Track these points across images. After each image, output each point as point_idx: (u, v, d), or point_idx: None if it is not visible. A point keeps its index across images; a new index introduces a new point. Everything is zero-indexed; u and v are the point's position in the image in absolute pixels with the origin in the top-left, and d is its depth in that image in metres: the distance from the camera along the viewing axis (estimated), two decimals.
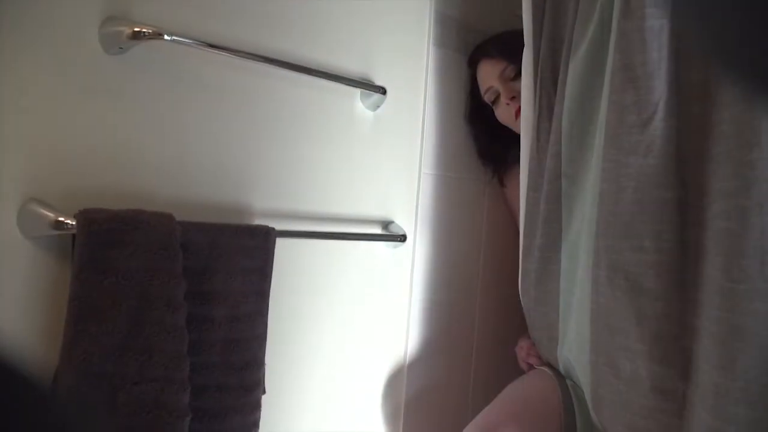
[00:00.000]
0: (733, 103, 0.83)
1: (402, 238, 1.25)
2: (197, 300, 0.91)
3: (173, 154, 0.97)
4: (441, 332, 1.41)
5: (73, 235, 0.82)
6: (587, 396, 1.09)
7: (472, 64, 1.38)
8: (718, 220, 0.85)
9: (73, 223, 0.81)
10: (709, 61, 0.81)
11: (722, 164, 0.85)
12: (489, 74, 1.32)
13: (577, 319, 1.11)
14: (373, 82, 1.23)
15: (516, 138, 1.25)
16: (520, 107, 1.23)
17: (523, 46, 1.19)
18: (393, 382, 1.32)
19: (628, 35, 0.93)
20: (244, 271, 0.97)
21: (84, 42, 0.87)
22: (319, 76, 1.10)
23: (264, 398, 1.02)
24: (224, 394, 0.93)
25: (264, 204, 1.08)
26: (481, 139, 1.40)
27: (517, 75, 1.26)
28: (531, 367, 1.32)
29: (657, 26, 0.90)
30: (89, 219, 0.81)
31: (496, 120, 1.36)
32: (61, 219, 0.82)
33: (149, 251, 0.84)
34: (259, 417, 0.99)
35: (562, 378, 1.21)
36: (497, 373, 1.43)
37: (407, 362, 1.35)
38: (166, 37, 0.90)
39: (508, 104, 1.29)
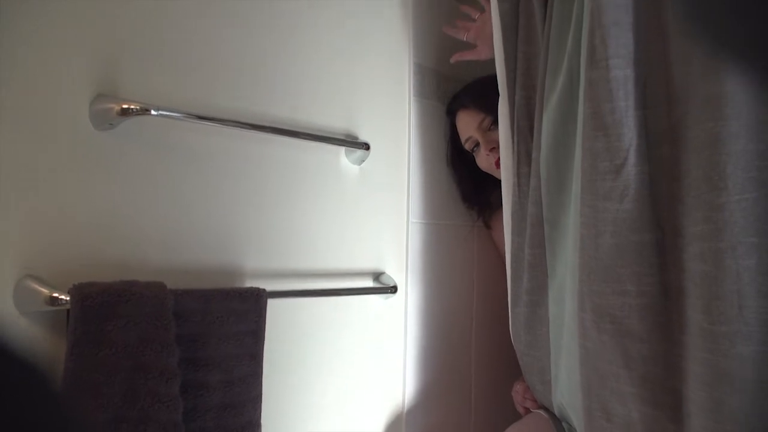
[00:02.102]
0: (701, 147, 0.87)
1: (393, 289, 1.26)
2: (191, 367, 0.93)
3: (164, 222, 0.99)
4: (438, 378, 1.42)
5: (68, 310, 0.84)
6: None
7: (451, 113, 1.42)
8: (695, 262, 0.87)
9: (67, 298, 0.83)
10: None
11: (694, 207, 0.88)
12: (467, 125, 1.36)
13: (566, 364, 1.12)
14: (357, 137, 1.26)
15: (498, 181, 1.28)
16: (499, 157, 1.27)
17: (498, 93, 1.24)
18: (392, 429, 1.33)
19: (595, 84, 0.97)
20: (237, 334, 0.98)
21: (75, 120, 0.91)
22: (303, 138, 1.14)
23: None
24: None
25: (256, 265, 1.11)
26: (464, 184, 1.44)
27: (495, 125, 1.30)
28: (528, 410, 1.33)
29: (621, 76, 0.94)
30: (83, 294, 0.83)
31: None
32: (56, 295, 0.84)
33: (142, 322, 0.86)
34: None
35: (558, 421, 1.22)
36: (497, 416, 1.43)
37: (405, 409, 1.35)
38: (153, 112, 0.93)
39: (488, 155, 1.33)
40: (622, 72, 0.95)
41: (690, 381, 0.89)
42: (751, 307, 0.81)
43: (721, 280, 0.83)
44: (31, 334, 0.86)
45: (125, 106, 0.91)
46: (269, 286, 1.07)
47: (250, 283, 1.08)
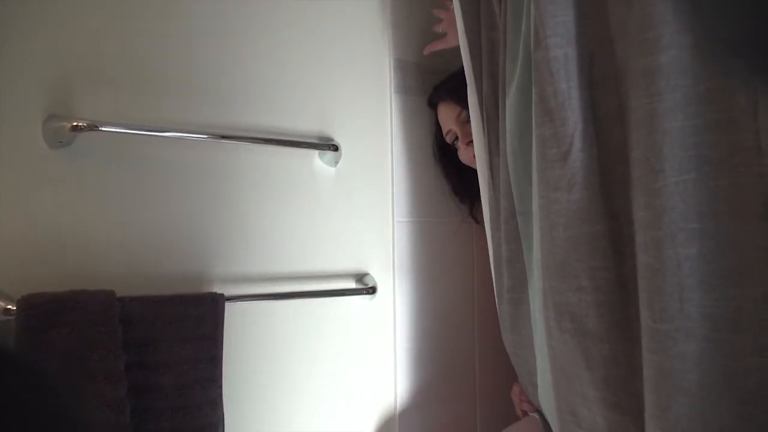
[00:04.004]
0: (639, 126, 0.79)
1: (371, 290, 1.24)
2: (143, 370, 0.96)
3: (121, 233, 1.04)
4: (435, 379, 1.38)
5: None
6: None
7: (432, 106, 1.38)
8: (640, 253, 0.79)
9: None
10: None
11: (638, 192, 0.80)
12: (447, 118, 1.31)
13: (540, 365, 1.06)
14: (332, 139, 1.26)
15: None
16: None
17: None
18: (384, 429, 1.31)
19: (539, 67, 0.91)
20: (192, 339, 1.01)
21: (28, 139, 0.97)
22: (261, 143, 1.14)
23: None
24: None
25: (223, 270, 1.13)
26: (452, 177, 1.39)
27: None
28: (525, 413, 1.26)
29: (561, 55, 0.87)
30: (29, 303, 0.89)
31: None
32: (9, 307, 0.90)
33: (87, 329, 0.90)
34: None
35: (548, 425, 1.15)
36: (506, 416, 1.37)
37: (398, 410, 1.33)
38: (101, 128, 0.98)
39: (466, 148, 1.28)
40: (562, 51, 0.88)
41: (644, 384, 0.81)
42: (692, 301, 0.73)
43: (662, 273, 0.75)
44: None
45: (75, 123, 0.96)
46: (240, 291, 1.09)
47: (217, 289, 1.10)
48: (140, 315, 0.97)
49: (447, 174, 1.40)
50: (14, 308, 0.89)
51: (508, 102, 1.07)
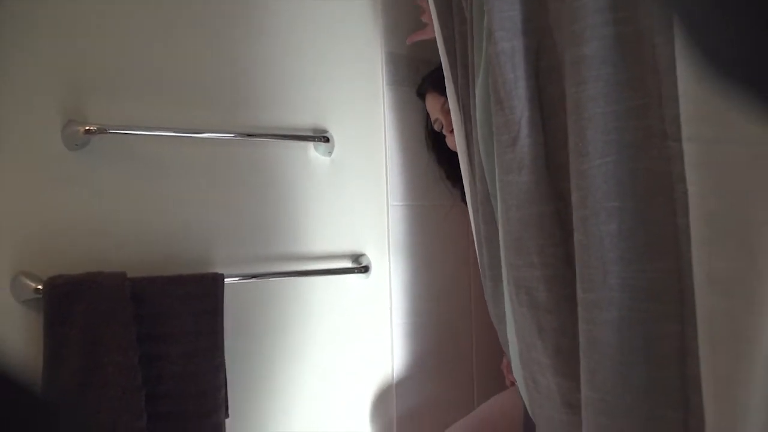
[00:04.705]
0: (570, 112, 0.85)
1: (364, 269, 1.35)
2: (152, 341, 1.10)
3: (130, 222, 1.17)
4: (433, 352, 1.48)
5: None
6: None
7: (420, 96, 1.46)
8: (575, 231, 0.86)
9: None
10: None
11: (572, 175, 0.86)
12: (433, 107, 1.39)
13: (510, 336, 1.14)
14: (327, 131, 1.36)
15: None
16: None
17: None
18: (382, 402, 1.41)
19: (491, 59, 0.98)
20: (195, 313, 1.14)
21: (49, 143, 1.11)
22: (256, 137, 1.26)
23: (255, 428, 1.22)
24: (183, 419, 1.11)
25: (226, 253, 1.26)
26: (444, 163, 1.47)
27: None
28: (513, 383, 1.34)
29: (508, 48, 0.94)
30: (53, 284, 1.04)
31: None
32: (39, 287, 1.05)
33: (102, 305, 1.05)
34: None
35: None
36: (503, 387, 1.45)
37: (395, 382, 1.43)
38: (110, 131, 1.12)
39: (450, 135, 1.35)
40: (509, 44, 0.95)
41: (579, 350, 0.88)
42: (613, 273, 0.80)
43: (588, 248, 0.82)
44: (27, 318, 1.08)
45: (87, 128, 1.11)
46: (241, 272, 1.22)
47: (220, 270, 1.23)
48: (149, 293, 1.11)
49: (439, 160, 1.47)
50: (42, 288, 1.05)
51: (477, 92, 1.14)
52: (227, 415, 1.18)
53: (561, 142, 0.92)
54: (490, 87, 1.00)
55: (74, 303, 1.04)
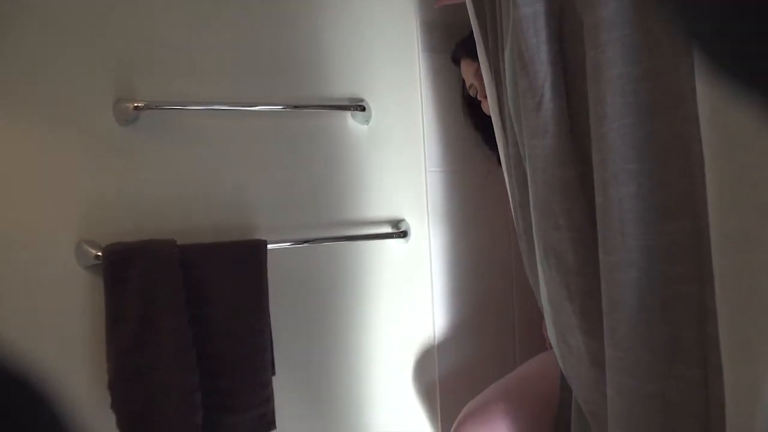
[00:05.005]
0: (590, 76, 0.85)
1: (402, 234, 1.39)
2: (199, 304, 1.18)
3: (178, 192, 1.25)
4: (473, 313, 1.51)
5: None
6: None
7: (455, 62, 1.46)
8: (596, 194, 0.87)
9: None
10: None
11: (593, 138, 0.86)
12: (467, 73, 1.39)
13: (543, 299, 1.15)
14: (363, 99, 1.39)
15: None
16: None
17: None
18: (424, 363, 1.47)
19: (514, 24, 0.98)
20: (240, 276, 1.22)
21: (103, 119, 1.20)
22: (290, 108, 1.31)
23: (301, 385, 1.30)
24: (232, 377, 1.19)
25: (269, 221, 1.32)
26: (481, 128, 1.47)
27: None
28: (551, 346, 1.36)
29: (530, 13, 0.94)
30: (110, 251, 1.13)
31: None
32: (99, 254, 1.15)
33: (154, 270, 1.14)
34: (271, 394, 1.23)
35: None
36: (544, 348, 1.47)
37: (437, 342, 1.48)
38: (157, 107, 1.19)
39: (485, 100, 1.35)
40: (531, 9, 0.95)
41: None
42: (632, 234, 0.80)
43: (608, 210, 0.82)
44: (90, 281, 1.19)
45: (136, 104, 1.19)
46: (286, 237, 1.29)
47: (265, 236, 1.29)
48: (197, 258, 1.19)
49: (476, 126, 1.48)
50: (101, 255, 1.14)
51: (506, 56, 1.14)
52: (274, 373, 1.26)
53: (584, 106, 0.92)
54: (515, 52, 1.00)
55: (129, 268, 1.13)
